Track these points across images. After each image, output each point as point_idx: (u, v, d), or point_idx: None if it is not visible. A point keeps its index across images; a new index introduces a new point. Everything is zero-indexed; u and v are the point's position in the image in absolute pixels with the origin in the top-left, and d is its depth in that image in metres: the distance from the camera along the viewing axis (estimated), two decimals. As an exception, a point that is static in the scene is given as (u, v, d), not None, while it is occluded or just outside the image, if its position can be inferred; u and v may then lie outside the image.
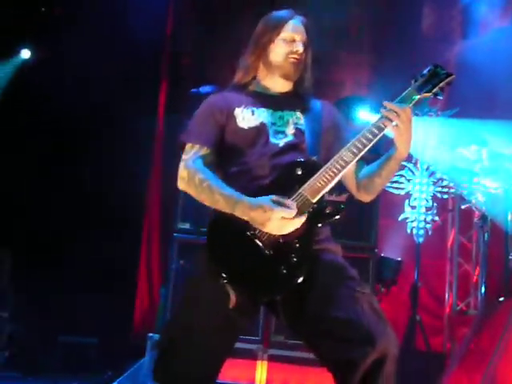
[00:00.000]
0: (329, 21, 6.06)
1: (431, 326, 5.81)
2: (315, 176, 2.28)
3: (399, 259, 5.28)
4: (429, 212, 5.86)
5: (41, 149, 5.66)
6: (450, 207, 6.32)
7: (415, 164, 5.97)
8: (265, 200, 2.22)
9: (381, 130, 2.29)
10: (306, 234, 2.26)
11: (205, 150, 2.46)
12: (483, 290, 5.45)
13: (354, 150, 2.29)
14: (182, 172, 2.42)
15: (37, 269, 5.04)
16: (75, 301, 5.18)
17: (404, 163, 5.90)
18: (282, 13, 2.63)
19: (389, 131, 2.30)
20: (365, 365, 2.07)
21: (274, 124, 2.49)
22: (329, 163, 2.29)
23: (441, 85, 2.38)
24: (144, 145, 5.83)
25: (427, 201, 5.89)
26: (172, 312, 2.43)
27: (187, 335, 2.27)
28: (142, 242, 5.79)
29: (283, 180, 2.34)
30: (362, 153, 2.30)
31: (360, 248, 4.58)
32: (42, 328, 5.13)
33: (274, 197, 2.23)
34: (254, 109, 2.52)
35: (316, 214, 2.28)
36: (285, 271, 2.21)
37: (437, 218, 5.88)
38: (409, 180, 5.92)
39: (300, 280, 2.20)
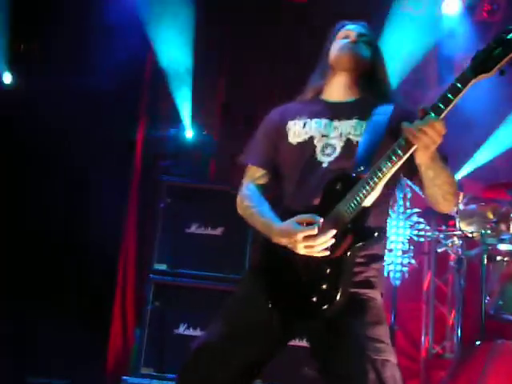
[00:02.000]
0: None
1: (408, 370, 5.77)
2: (351, 191, 2.11)
3: (376, 302, 5.26)
4: (405, 255, 5.88)
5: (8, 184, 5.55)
6: (426, 250, 6.34)
7: (392, 207, 6.01)
8: (289, 223, 2.15)
9: (410, 147, 2.05)
10: (338, 258, 2.10)
11: (259, 172, 2.44)
12: (459, 333, 5.45)
13: (394, 158, 2.07)
14: (238, 198, 2.45)
15: (4, 307, 4.94)
16: (46, 340, 5.07)
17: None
18: (344, 22, 2.59)
19: None
20: None
21: (324, 136, 2.34)
22: (367, 175, 2.10)
23: (509, 57, 1.93)
24: (120, 184, 5.79)
25: (404, 244, 5.91)
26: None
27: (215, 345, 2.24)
28: (117, 283, 5.70)
29: (325, 197, 2.20)
30: (400, 162, 2.08)
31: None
32: (9, 368, 5.00)
33: (299, 216, 2.14)
34: (308, 120, 2.40)
35: (353, 233, 2.10)
36: (315, 299, 2.12)
37: (413, 261, 5.90)
38: (385, 223, 5.94)
39: (329, 312, 2.09)
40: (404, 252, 5.88)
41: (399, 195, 6.00)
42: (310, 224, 2.11)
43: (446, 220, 5.98)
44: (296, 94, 2.62)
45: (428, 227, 6.00)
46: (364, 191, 2.09)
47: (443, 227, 6.04)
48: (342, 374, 2.08)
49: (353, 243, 2.10)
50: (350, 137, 2.32)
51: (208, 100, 6.06)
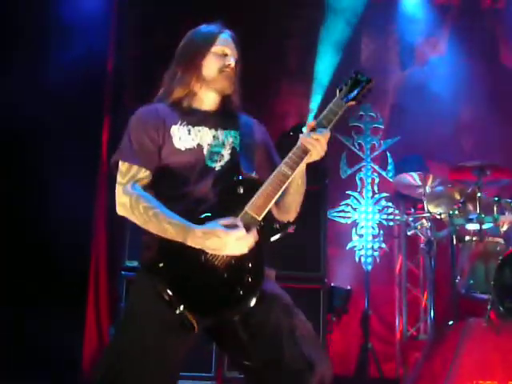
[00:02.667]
0: (267, 51, 6.14)
1: (383, 353, 5.84)
2: (257, 193, 2.29)
3: (349, 288, 5.31)
4: (376, 239, 5.94)
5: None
6: (396, 234, 6.41)
7: (360, 193, 6.05)
8: (215, 226, 2.21)
9: (306, 152, 2.34)
10: (256, 252, 2.25)
11: (143, 173, 2.38)
12: (432, 314, 5.51)
13: (292, 164, 2.33)
14: (122, 198, 2.35)
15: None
16: (19, 342, 5.02)
17: (349, 192, 5.98)
18: (211, 27, 2.60)
19: None
20: None
21: (209, 145, 2.46)
22: (269, 179, 2.32)
23: (363, 92, 2.47)
24: (88, 182, 5.74)
25: (374, 228, 5.96)
26: (111, 341, 2.34)
27: (132, 362, 2.19)
28: (90, 281, 5.67)
29: (226, 201, 2.33)
30: (300, 166, 2.34)
31: (310, 279, 4.59)
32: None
33: (222, 220, 2.23)
34: (190, 127, 2.47)
35: (265, 230, 2.29)
36: (241, 291, 2.21)
37: (384, 246, 5.95)
38: (355, 209, 5.99)
39: (254, 301, 2.20)
40: (374, 237, 5.94)
41: (367, 180, 6.05)
42: (233, 227, 2.23)
43: (415, 203, 6.04)
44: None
45: (397, 211, 6.07)
46: (271, 194, 2.30)
47: (412, 210, 6.10)
48: (281, 345, 2.19)
49: (267, 237, 2.30)
50: (233, 145, 2.50)
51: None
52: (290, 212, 2.53)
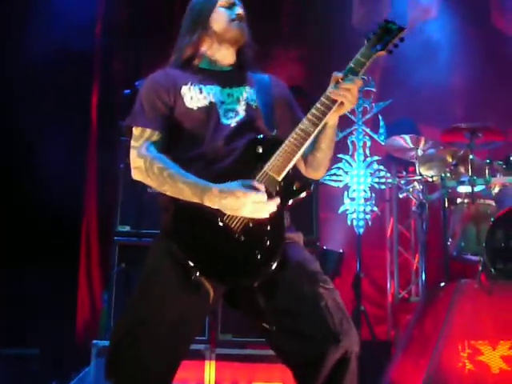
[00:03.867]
0: (258, 14, 6.07)
1: (375, 316, 5.89)
2: (277, 152, 2.20)
3: (341, 251, 5.32)
4: (367, 203, 5.94)
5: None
6: (388, 197, 6.41)
7: (352, 156, 6.03)
8: (235, 185, 2.14)
9: (334, 102, 2.24)
10: (275, 215, 2.16)
11: (156, 136, 2.33)
12: (424, 277, 5.55)
13: (316, 121, 2.22)
14: (137, 161, 2.29)
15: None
16: (11, 308, 5.02)
17: (341, 156, 5.96)
18: None
19: None
20: (329, 363, 2.04)
21: (223, 102, 2.39)
22: (289, 137, 2.21)
23: (394, 41, 2.32)
24: (79, 149, 5.71)
25: (365, 192, 5.96)
26: (128, 305, 2.27)
27: (148, 329, 2.13)
28: (81, 247, 5.66)
29: (243, 161, 2.25)
30: (322, 123, 2.23)
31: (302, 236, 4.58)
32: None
33: (242, 181, 2.15)
34: (202, 86, 2.42)
35: (284, 191, 2.19)
36: (259, 256, 2.13)
37: (375, 209, 5.96)
38: (346, 172, 5.97)
39: (275, 265, 2.12)
40: (366, 200, 5.94)
41: (359, 144, 6.03)
42: (253, 189, 2.15)
43: (406, 166, 6.04)
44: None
45: (389, 174, 6.06)
46: (292, 152, 2.19)
47: (403, 173, 6.11)
48: (305, 312, 2.10)
49: (286, 199, 2.21)
50: (249, 102, 2.42)
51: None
52: (320, 169, 2.43)
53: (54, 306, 5.06)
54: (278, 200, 2.16)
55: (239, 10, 2.50)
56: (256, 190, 2.13)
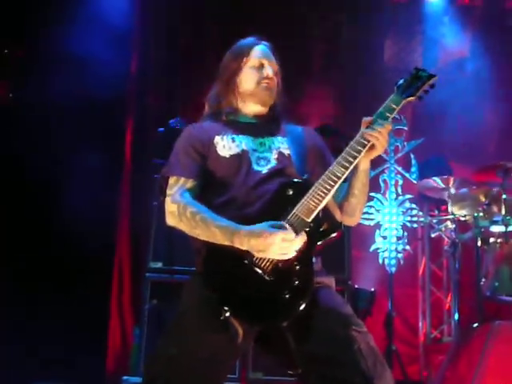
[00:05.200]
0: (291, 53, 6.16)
1: (407, 355, 5.80)
2: (307, 194, 2.22)
3: (372, 290, 5.29)
4: (399, 241, 5.90)
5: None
6: (420, 236, 6.37)
7: (384, 194, 6.02)
8: (263, 226, 2.16)
9: (364, 146, 2.27)
10: (304, 255, 2.18)
11: (190, 183, 2.39)
12: (456, 316, 5.48)
13: (346, 164, 2.25)
14: (171, 207, 2.34)
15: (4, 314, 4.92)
16: (45, 342, 5.04)
17: (372, 194, 5.95)
18: (247, 40, 2.63)
19: None
20: None
21: (255, 151, 2.44)
22: (320, 180, 2.25)
23: (424, 87, 2.37)
24: (112, 185, 5.77)
25: (397, 230, 5.93)
26: (160, 344, 2.27)
27: (180, 369, 2.14)
28: (113, 283, 5.69)
29: (274, 204, 2.28)
30: (352, 167, 2.27)
31: (334, 281, 4.56)
32: (10, 376, 4.98)
33: (270, 222, 2.17)
34: (235, 136, 2.47)
35: (313, 232, 2.21)
36: (288, 296, 2.14)
37: (408, 247, 5.92)
38: (378, 210, 5.96)
39: (303, 306, 2.12)
40: (398, 238, 5.91)
41: (391, 182, 6.02)
42: (280, 228, 2.17)
43: (439, 205, 6.01)
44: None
45: (421, 213, 6.03)
46: (322, 194, 2.22)
47: (436, 212, 6.07)
48: (338, 357, 2.08)
49: (316, 240, 2.22)
50: (281, 151, 2.47)
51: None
52: (355, 214, 2.46)
53: (86, 340, 5.08)
54: (305, 236, 2.17)
55: (268, 72, 2.54)
56: (282, 228, 2.16)
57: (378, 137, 2.26)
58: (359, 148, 2.27)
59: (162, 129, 4.79)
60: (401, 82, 2.38)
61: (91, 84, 5.33)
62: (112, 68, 5.45)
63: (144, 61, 6.21)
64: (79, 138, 5.45)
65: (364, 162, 2.33)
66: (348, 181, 2.39)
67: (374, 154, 2.31)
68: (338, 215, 2.46)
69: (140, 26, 6.22)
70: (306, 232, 2.19)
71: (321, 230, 2.23)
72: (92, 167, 5.34)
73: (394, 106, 2.32)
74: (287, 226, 2.17)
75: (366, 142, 2.27)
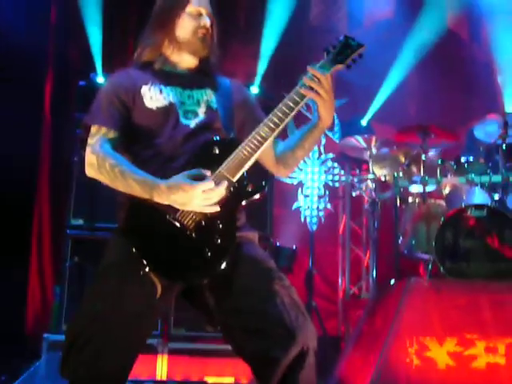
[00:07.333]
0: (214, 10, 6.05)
1: (326, 311, 5.95)
2: (233, 154, 2.21)
3: (294, 247, 5.37)
4: (321, 200, 5.99)
5: None
6: (341, 194, 6.48)
7: (307, 153, 6.07)
8: (181, 178, 2.13)
9: (302, 97, 2.25)
10: (228, 214, 2.18)
11: (112, 133, 2.33)
12: (374, 273, 5.63)
13: (271, 125, 2.23)
14: (90, 158, 2.28)
15: None
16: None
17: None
18: None
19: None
20: (286, 360, 2.05)
21: (183, 103, 2.40)
22: (246, 140, 2.23)
23: (353, 56, 2.35)
24: (30, 137, 5.59)
25: (319, 189, 6.01)
26: (82, 303, 2.23)
27: (103, 325, 2.10)
28: (32, 240, 5.57)
29: (199, 161, 2.25)
30: (281, 127, 2.24)
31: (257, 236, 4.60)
32: None
33: (187, 172, 2.15)
34: (162, 87, 2.42)
35: (237, 192, 2.20)
36: (209, 254, 2.14)
37: (329, 206, 6.02)
38: (301, 169, 6.02)
39: (224, 265, 2.13)
40: (320, 197, 5.99)
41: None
42: (200, 179, 2.16)
43: (360, 164, 6.11)
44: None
45: (342, 172, 6.12)
46: (246, 153, 2.21)
47: (357, 171, 6.18)
48: (260, 309, 2.11)
49: (240, 200, 2.22)
50: (209, 104, 2.44)
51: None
52: (293, 167, 2.50)
53: (3, 298, 4.97)
54: (226, 183, 2.16)
55: (205, 22, 2.48)
56: (202, 178, 2.14)
57: (321, 80, 2.23)
58: (296, 99, 2.24)
59: (83, 82, 4.67)
60: (331, 48, 2.35)
61: (7, 28, 5.11)
62: (32, 14, 5.25)
63: (64, 11, 5.98)
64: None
65: (324, 119, 2.32)
66: (302, 132, 2.39)
67: (325, 106, 2.28)
68: (270, 166, 2.47)
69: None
70: (229, 191, 2.18)
71: (246, 190, 2.22)
72: (9, 119, 5.14)
73: (324, 72, 2.27)
74: (204, 172, 2.16)
75: (303, 94, 2.24)
